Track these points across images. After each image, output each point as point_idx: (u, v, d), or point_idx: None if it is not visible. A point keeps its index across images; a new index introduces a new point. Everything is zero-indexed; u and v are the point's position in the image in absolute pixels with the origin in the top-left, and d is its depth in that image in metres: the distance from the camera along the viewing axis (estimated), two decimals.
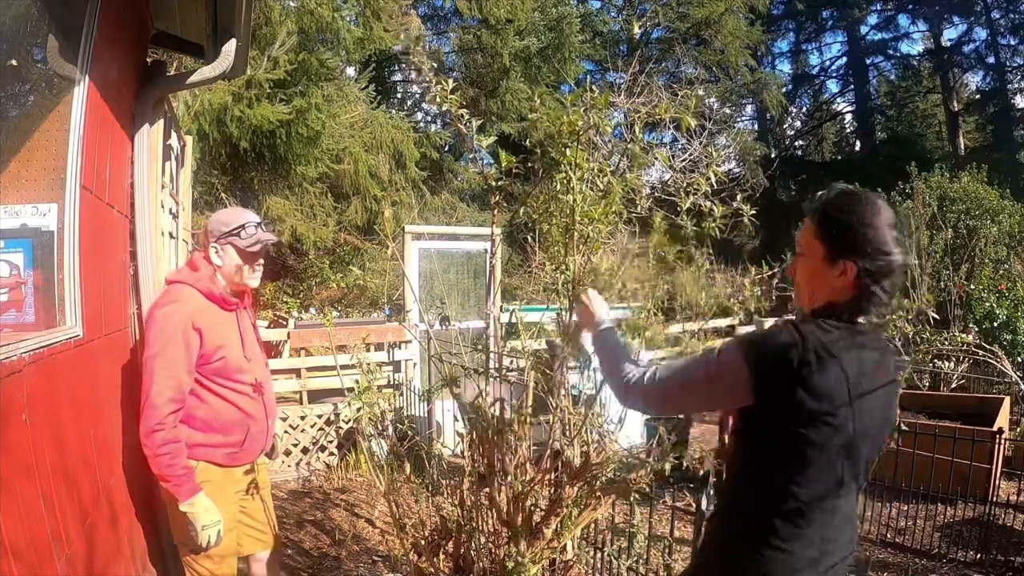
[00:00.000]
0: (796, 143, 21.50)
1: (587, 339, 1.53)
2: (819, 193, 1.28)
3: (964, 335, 5.99)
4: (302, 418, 4.64)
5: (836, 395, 1.10)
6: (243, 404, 2.04)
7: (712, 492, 2.27)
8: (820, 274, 1.20)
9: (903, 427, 3.56)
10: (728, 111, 15.87)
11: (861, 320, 1.18)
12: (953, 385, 5.93)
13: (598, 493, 2.00)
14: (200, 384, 1.95)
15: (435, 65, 2.03)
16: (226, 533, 1.95)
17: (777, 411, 1.12)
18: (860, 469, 1.20)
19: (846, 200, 1.21)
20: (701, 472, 2.51)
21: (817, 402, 1.09)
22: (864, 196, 1.21)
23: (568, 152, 1.82)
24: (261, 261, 2.12)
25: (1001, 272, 7.51)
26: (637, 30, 15.49)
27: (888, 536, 3.54)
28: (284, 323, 6.88)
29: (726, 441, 1.39)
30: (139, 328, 2.45)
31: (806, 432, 1.10)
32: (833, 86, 21.21)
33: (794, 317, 1.28)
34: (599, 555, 2.58)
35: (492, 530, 2.20)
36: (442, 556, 2.26)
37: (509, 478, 2.06)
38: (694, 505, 2.19)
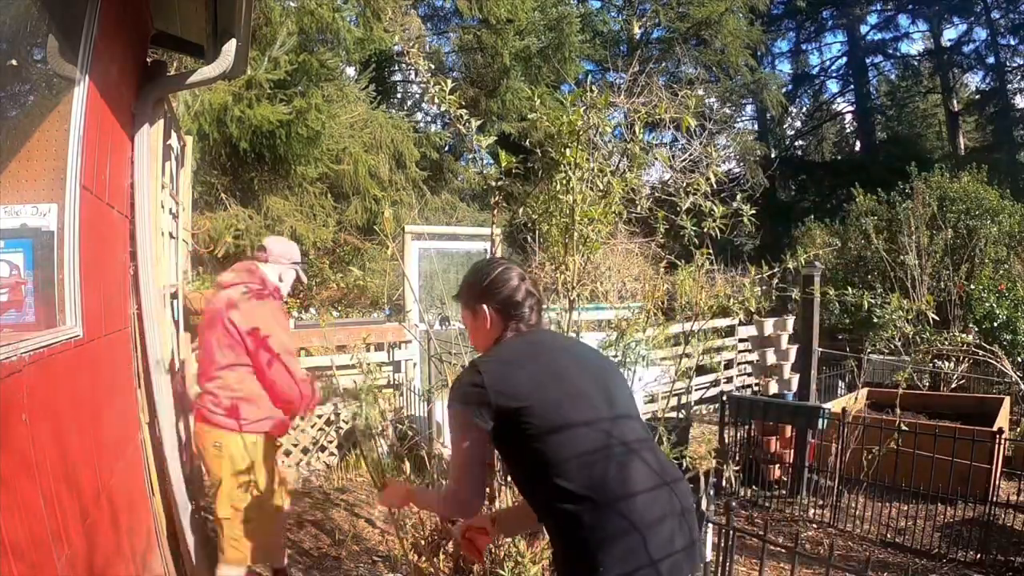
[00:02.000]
0: (796, 143, 21.50)
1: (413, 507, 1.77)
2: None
3: (964, 335, 5.99)
4: (302, 418, 4.65)
5: (523, 387, 1.30)
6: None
7: (712, 492, 2.28)
8: (475, 329, 1.50)
9: (903, 427, 3.57)
10: (728, 111, 15.87)
11: (512, 333, 1.44)
12: (953, 385, 5.93)
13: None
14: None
15: (432, 66, 2.02)
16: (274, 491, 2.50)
17: (501, 427, 1.30)
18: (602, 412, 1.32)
19: (465, 277, 1.55)
20: (701, 472, 2.50)
21: (515, 401, 1.28)
22: (473, 265, 1.56)
23: (568, 152, 1.82)
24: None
25: (1001, 272, 7.51)
26: (637, 30, 15.49)
27: (888, 536, 3.54)
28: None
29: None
30: (139, 328, 2.45)
31: (527, 427, 1.27)
32: (833, 86, 21.23)
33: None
34: None
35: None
36: (442, 556, 2.26)
37: (509, 478, 2.06)
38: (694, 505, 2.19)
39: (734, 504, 3.62)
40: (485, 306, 1.45)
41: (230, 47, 2.58)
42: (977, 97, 18.60)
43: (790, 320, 6.45)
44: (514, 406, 1.28)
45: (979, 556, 3.23)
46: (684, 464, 2.32)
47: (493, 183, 2.04)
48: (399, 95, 13.14)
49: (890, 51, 19.53)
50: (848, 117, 21.53)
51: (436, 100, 1.95)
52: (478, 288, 1.47)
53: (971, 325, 6.52)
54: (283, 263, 2.62)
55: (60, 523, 1.43)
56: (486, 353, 1.44)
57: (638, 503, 1.22)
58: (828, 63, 20.76)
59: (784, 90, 18.03)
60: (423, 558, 2.23)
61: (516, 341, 1.43)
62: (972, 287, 7.00)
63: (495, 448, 1.37)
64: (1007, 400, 4.76)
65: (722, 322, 7.12)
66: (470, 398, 1.31)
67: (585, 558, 1.21)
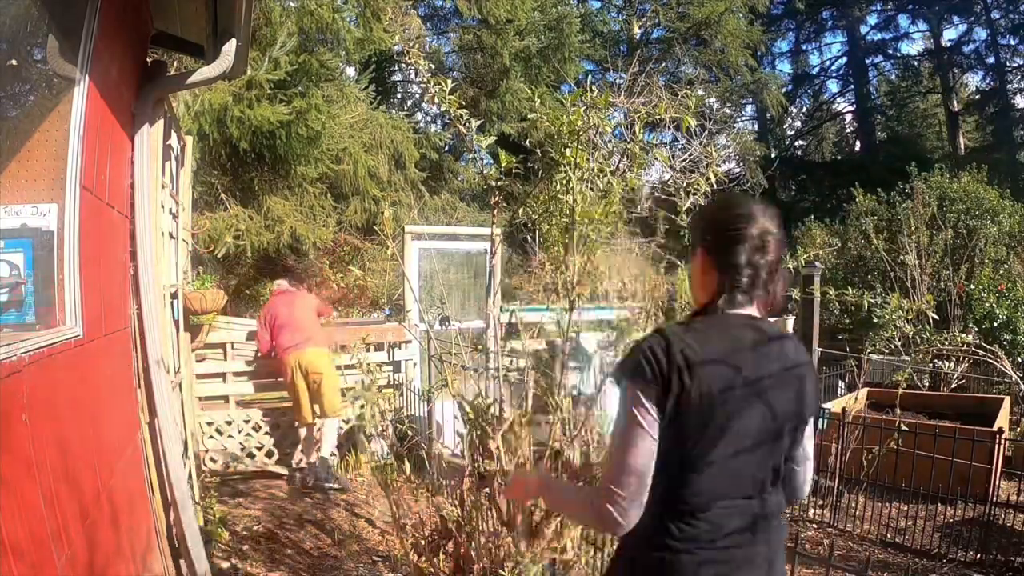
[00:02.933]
0: (796, 143, 21.50)
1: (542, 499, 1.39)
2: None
3: (964, 335, 5.99)
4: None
5: (709, 388, 1.07)
6: (281, 330, 4.37)
7: None
8: (691, 275, 1.23)
9: (903, 427, 3.57)
10: (728, 111, 15.86)
11: (729, 308, 1.14)
12: (953, 385, 5.93)
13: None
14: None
15: (432, 66, 2.01)
16: (292, 389, 4.37)
17: (666, 411, 1.08)
18: (766, 468, 1.14)
19: (708, 204, 1.27)
20: None
21: (695, 396, 1.07)
22: (723, 195, 1.29)
23: (568, 152, 1.82)
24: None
25: (1001, 272, 7.51)
26: (637, 30, 15.49)
27: (888, 536, 3.54)
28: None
29: None
30: (139, 328, 2.45)
31: (688, 425, 1.08)
32: (833, 86, 21.23)
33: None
34: (599, 555, 2.58)
35: (492, 530, 2.20)
36: (442, 556, 2.26)
37: (509, 478, 2.06)
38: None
39: None
40: (701, 249, 1.18)
41: (230, 47, 2.57)
42: (977, 97, 18.60)
43: (790, 320, 6.45)
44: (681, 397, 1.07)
45: (979, 556, 3.23)
46: None
47: (493, 183, 2.04)
48: (399, 95, 13.14)
49: (890, 51, 19.55)
50: (848, 117, 21.54)
51: (436, 100, 1.95)
52: (703, 224, 1.22)
53: (971, 325, 6.52)
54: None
55: (60, 523, 1.43)
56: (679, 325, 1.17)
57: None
58: (828, 63, 20.79)
59: (784, 90, 18.02)
60: (423, 558, 2.23)
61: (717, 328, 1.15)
62: (972, 287, 7.00)
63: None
64: (1007, 400, 4.76)
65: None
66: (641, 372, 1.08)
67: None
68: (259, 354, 4.65)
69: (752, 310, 1.16)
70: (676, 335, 1.10)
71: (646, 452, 1.08)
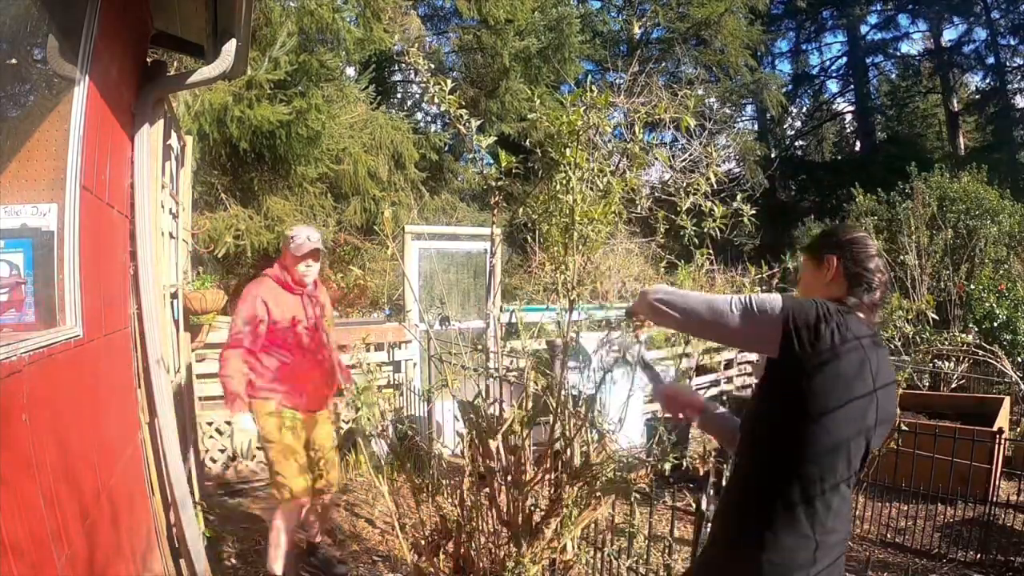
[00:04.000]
0: (796, 143, 21.50)
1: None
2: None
3: (964, 335, 5.99)
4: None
5: (854, 378, 1.23)
6: (293, 365, 2.82)
7: (712, 492, 2.27)
8: (813, 278, 1.44)
9: (903, 427, 3.57)
10: (728, 111, 15.86)
11: (854, 301, 1.35)
12: (953, 385, 5.93)
13: (598, 493, 2.00)
14: (266, 348, 2.78)
15: (432, 66, 2.01)
16: (288, 457, 2.76)
17: (795, 373, 1.22)
18: (860, 460, 1.28)
19: (826, 229, 1.49)
20: (701, 472, 2.51)
21: (833, 378, 1.21)
22: (840, 223, 1.50)
23: (568, 152, 1.82)
24: (310, 261, 2.88)
25: (1001, 272, 7.50)
26: (637, 30, 15.48)
27: (888, 536, 3.54)
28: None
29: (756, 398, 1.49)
30: (139, 328, 2.45)
31: (818, 403, 1.21)
32: (833, 86, 21.24)
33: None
34: (599, 555, 2.58)
35: (492, 530, 2.20)
36: (442, 556, 2.26)
37: (509, 478, 2.06)
38: (694, 505, 2.19)
39: None
40: (835, 259, 1.38)
41: (230, 47, 2.58)
42: (977, 97, 18.59)
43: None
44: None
45: (979, 556, 3.23)
46: (685, 464, 2.32)
47: (493, 183, 2.04)
48: (399, 95, 13.13)
49: (890, 51, 19.55)
50: (848, 117, 21.55)
51: (436, 100, 1.95)
52: (836, 241, 1.41)
53: (971, 325, 6.51)
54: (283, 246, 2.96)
55: (60, 523, 1.43)
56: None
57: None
58: (828, 63, 20.80)
59: (784, 90, 18.02)
60: (423, 558, 2.23)
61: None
62: (972, 287, 6.99)
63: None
64: (1007, 400, 4.75)
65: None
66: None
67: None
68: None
69: (865, 314, 1.36)
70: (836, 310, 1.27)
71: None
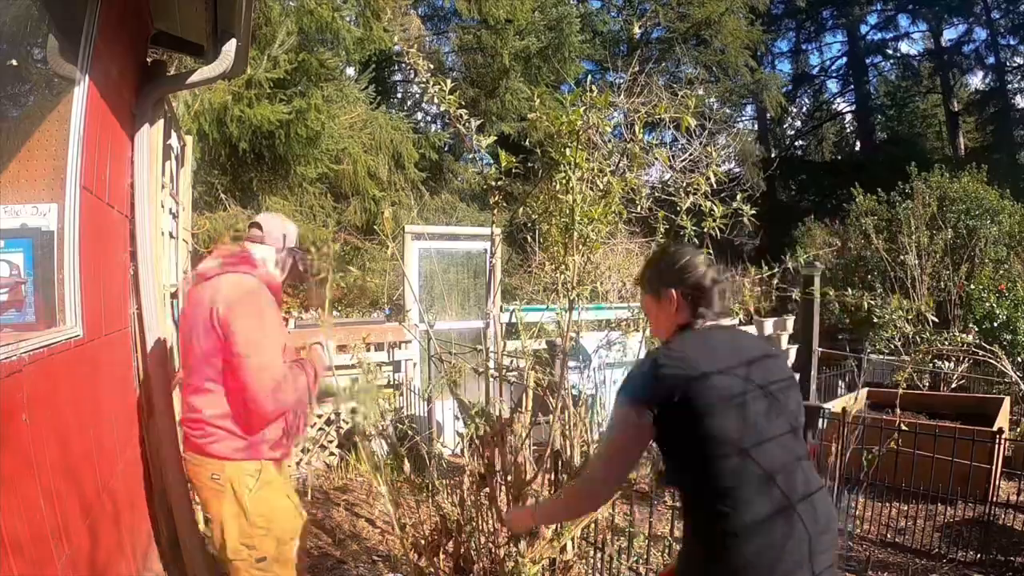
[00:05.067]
0: (796, 143, 21.50)
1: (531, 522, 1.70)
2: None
3: (964, 335, 5.98)
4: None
5: (687, 386, 1.28)
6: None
7: None
8: (659, 313, 1.49)
9: (903, 427, 3.56)
10: (728, 111, 15.86)
11: (704, 323, 1.44)
12: (953, 385, 5.93)
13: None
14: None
15: (431, 66, 2.00)
16: (292, 520, 2.00)
17: (668, 419, 1.29)
18: (779, 471, 1.29)
19: (650, 260, 1.57)
20: None
21: (682, 392, 1.27)
22: (660, 249, 1.58)
23: (568, 152, 1.82)
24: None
25: (1001, 272, 7.51)
26: (637, 30, 15.49)
27: (888, 536, 3.54)
28: (284, 322, 6.80)
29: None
30: (139, 328, 2.45)
31: (697, 420, 1.26)
32: (833, 86, 21.24)
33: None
34: (599, 555, 2.58)
35: (492, 530, 2.20)
36: (442, 556, 2.26)
37: (509, 478, 2.06)
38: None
39: None
40: (673, 290, 1.44)
41: (230, 47, 2.58)
42: (977, 97, 18.59)
43: (790, 320, 6.45)
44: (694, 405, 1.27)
45: (979, 556, 3.23)
46: None
47: (492, 183, 2.04)
48: (399, 95, 13.14)
49: (890, 51, 19.57)
50: (848, 117, 21.55)
51: (436, 100, 1.95)
52: (668, 271, 1.46)
53: (971, 325, 6.51)
54: (279, 248, 2.08)
55: (61, 522, 1.43)
56: (668, 344, 1.42)
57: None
58: (828, 63, 20.81)
59: (784, 90, 18.02)
60: (423, 558, 2.23)
61: (697, 338, 1.40)
62: (972, 287, 6.99)
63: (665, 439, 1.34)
64: (1007, 400, 4.75)
65: (722, 322, 7.10)
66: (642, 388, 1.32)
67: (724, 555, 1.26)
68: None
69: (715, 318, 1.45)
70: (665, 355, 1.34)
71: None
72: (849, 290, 2.22)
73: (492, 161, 2.19)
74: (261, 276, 1.99)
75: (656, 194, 2.26)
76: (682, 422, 1.27)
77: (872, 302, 2.16)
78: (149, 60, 2.71)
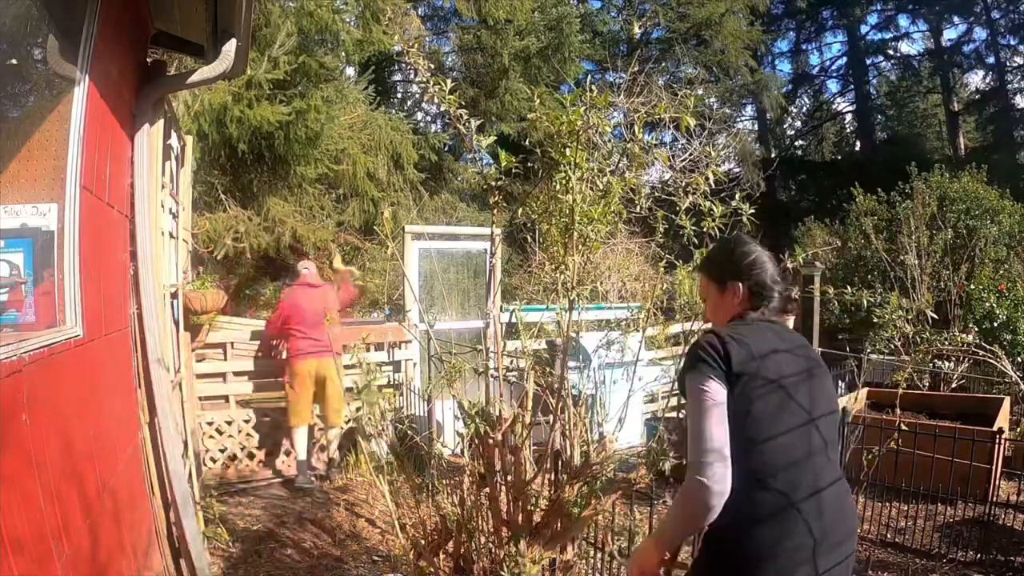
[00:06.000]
0: (796, 143, 21.49)
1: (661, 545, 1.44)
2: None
3: (964, 335, 5.98)
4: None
5: (749, 363, 1.32)
6: (303, 333, 4.30)
7: None
8: (720, 302, 1.53)
9: (903, 427, 3.56)
10: (728, 111, 15.86)
11: (759, 314, 1.48)
12: (953, 385, 5.92)
13: (598, 493, 2.00)
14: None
15: (432, 66, 2.00)
16: (302, 392, 4.29)
17: (732, 392, 1.31)
18: (821, 434, 1.35)
19: (717, 246, 1.61)
20: None
21: (742, 371, 1.31)
22: (729, 238, 1.61)
23: (568, 152, 1.82)
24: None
25: (1001, 272, 7.50)
26: (637, 30, 15.48)
27: (888, 536, 3.54)
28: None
29: None
30: (139, 328, 2.46)
31: (751, 399, 1.29)
32: (833, 86, 21.22)
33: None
34: (599, 555, 2.58)
35: (492, 530, 2.20)
36: (442, 556, 2.26)
37: (509, 478, 2.06)
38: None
39: None
40: (740, 284, 1.48)
41: (230, 47, 2.58)
42: (977, 97, 18.59)
43: (790, 320, 6.44)
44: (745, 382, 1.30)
45: (979, 556, 3.23)
46: (685, 463, 2.32)
47: (492, 183, 2.04)
48: (399, 95, 13.13)
49: (890, 51, 19.54)
50: (848, 117, 21.53)
51: (436, 100, 1.95)
52: (737, 266, 1.49)
53: (971, 325, 6.51)
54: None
55: (61, 521, 1.43)
56: (728, 327, 1.45)
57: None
58: (828, 63, 20.79)
59: (784, 90, 18.02)
60: (423, 558, 2.23)
61: (750, 327, 1.43)
62: (972, 287, 6.99)
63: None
64: (1007, 400, 4.75)
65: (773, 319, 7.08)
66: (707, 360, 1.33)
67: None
68: (259, 353, 4.64)
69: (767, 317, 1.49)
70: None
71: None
72: (849, 290, 2.21)
73: (492, 161, 2.20)
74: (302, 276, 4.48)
75: (656, 194, 2.26)
76: (735, 400, 1.29)
77: (871, 300, 2.16)
78: (149, 60, 2.72)
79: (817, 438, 1.34)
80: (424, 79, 1.97)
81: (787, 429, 1.31)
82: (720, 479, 1.23)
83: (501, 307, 3.78)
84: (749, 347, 1.34)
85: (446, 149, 11.28)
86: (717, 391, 1.29)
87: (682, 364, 1.41)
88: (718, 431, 1.26)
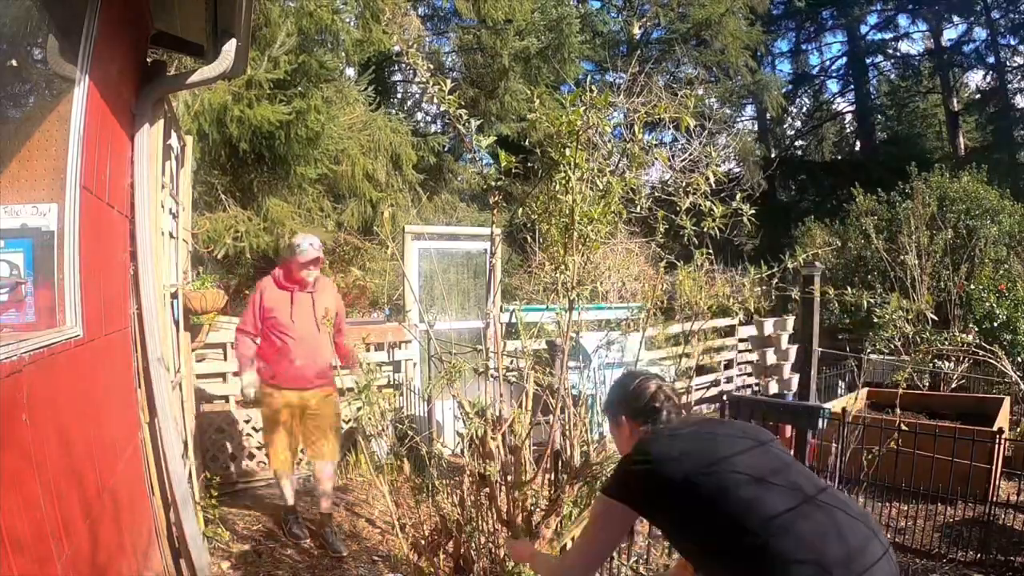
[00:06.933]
0: (796, 143, 21.49)
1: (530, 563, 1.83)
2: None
3: (964, 335, 5.98)
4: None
5: (678, 463, 1.36)
6: (284, 347, 3.25)
7: None
8: (618, 437, 1.64)
9: (903, 427, 3.56)
10: (728, 111, 15.86)
11: (649, 431, 1.54)
12: (953, 385, 5.92)
13: (598, 493, 2.00)
14: (265, 330, 3.30)
15: (432, 66, 2.01)
16: (277, 429, 3.31)
17: (666, 506, 1.36)
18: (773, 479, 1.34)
19: (609, 394, 1.70)
20: None
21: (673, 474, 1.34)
22: (616, 384, 1.70)
23: (567, 152, 1.82)
24: (311, 267, 3.29)
25: (1001, 272, 7.50)
26: (637, 30, 15.48)
27: (888, 536, 3.54)
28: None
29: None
30: (139, 328, 2.45)
31: (695, 494, 1.31)
32: (833, 86, 21.21)
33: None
34: None
35: (492, 530, 2.20)
36: (442, 556, 2.26)
37: (509, 478, 2.06)
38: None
39: None
40: (624, 416, 1.60)
41: (230, 47, 2.58)
42: (977, 97, 18.58)
43: (790, 320, 6.45)
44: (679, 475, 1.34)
45: (979, 556, 3.23)
46: None
47: (492, 183, 2.04)
48: (399, 95, 13.13)
49: (890, 51, 19.53)
50: (848, 117, 21.52)
51: (436, 100, 1.95)
52: (619, 401, 1.62)
53: (971, 325, 6.51)
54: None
55: (61, 521, 1.43)
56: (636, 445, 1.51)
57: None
58: (828, 63, 20.77)
59: (784, 90, 18.00)
60: (423, 558, 2.23)
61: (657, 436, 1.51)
62: (972, 287, 6.99)
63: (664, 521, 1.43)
64: (1007, 400, 4.75)
65: (722, 322, 7.12)
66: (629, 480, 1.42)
67: None
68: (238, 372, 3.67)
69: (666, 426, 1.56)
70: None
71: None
72: (849, 290, 2.21)
73: (492, 161, 2.20)
74: (274, 274, 3.40)
75: (656, 194, 2.26)
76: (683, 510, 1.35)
77: (872, 301, 2.16)
78: (149, 60, 2.72)
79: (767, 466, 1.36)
80: (424, 79, 1.97)
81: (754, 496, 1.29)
82: None
83: (501, 307, 3.78)
84: (657, 460, 1.38)
85: (446, 150, 11.27)
86: (624, 516, 1.43)
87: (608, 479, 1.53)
88: (602, 555, 1.55)
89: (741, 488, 1.29)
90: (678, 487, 1.32)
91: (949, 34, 18.26)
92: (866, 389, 5.29)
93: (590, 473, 2.04)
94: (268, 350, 3.30)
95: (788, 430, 4.29)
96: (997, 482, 3.85)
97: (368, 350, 4.81)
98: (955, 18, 17.51)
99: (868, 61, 19.63)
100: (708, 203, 1.98)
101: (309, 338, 3.25)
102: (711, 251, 2.09)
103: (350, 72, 9.06)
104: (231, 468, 4.36)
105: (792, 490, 1.30)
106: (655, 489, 1.36)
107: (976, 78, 18.89)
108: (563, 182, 1.84)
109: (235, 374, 3.46)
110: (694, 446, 1.41)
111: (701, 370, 6.88)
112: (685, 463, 1.35)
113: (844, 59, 20.05)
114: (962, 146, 17.67)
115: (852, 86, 19.99)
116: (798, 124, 21.62)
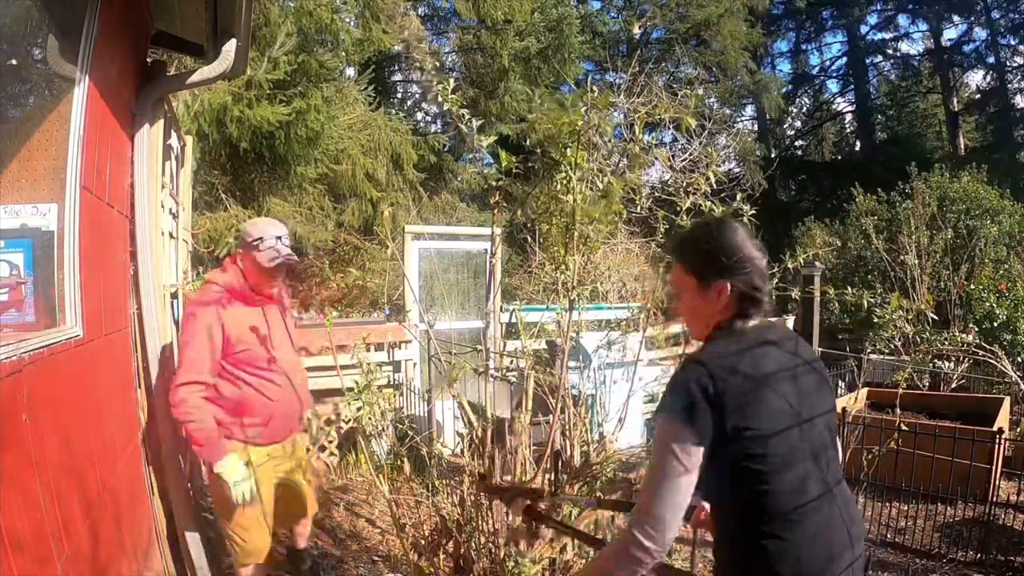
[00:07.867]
0: (796, 143, 21.50)
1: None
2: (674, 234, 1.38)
3: (964, 335, 5.98)
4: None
5: (746, 404, 1.15)
6: (266, 390, 2.26)
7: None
8: (701, 304, 1.26)
9: (903, 427, 3.56)
10: (728, 112, 15.87)
11: (748, 323, 1.24)
12: (953, 385, 5.92)
13: (598, 493, 2.00)
14: (226, 371, 2.20)
15: (437, 64, 2.03)
16: (254, 506, 2.20)
17: (721, 438, 1.14)
18: (820, 459, 1.21)
19: (700, 230, 1.31)
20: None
21: (738, 418, 1.14)
22: (715, 221, 1.35)
23: (568, 152, 1.82)
24: (279, 275, 2.38)
25: (1001, 272, 7.50)
26: (637, 31, 15.48)
27: (888, 536, 3.54)
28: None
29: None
30: (139, 328, 2.45)
31: (749, 442, 1.14)
32: (833, 86, 21.23)
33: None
34: None
35: (492, 530, 2.20)
36: (442, 556, 2.26)
37: (509, 478, 2.06)
38: (694, 505, 2.19)
39: None
40: (727, 285, 1.21)
41: (230, 47, 2.58)
42: (977, 97, 18.59)
43: (790, 320, 6.45)
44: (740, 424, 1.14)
45: (979, 556, 3.23)
46: None
47: (493, 183, 2.04)
48: (399, 95, 13.13)
49: (890, 51, 19.55)
50: (848, 117, 21.53)
51: (440, 98, 1.96)
52: (724, 263, 1.21)
53: (971, 325, 6.51)
54: (239, 248, 2.37)
55: (61, 521, 1.43)
56: (712, 350, 1.23)
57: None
58: (828, 63, 20.80)
59: (784, 90, 18.02)
60: (423, 558, 2.23)
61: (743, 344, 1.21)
62: (972, 287, 6.99)
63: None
64: (1007, 400, 4.75)
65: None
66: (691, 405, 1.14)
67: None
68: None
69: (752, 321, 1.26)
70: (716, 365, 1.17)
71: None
72: (849, 290, 2.22)
73: (492, 161, 2.20)
74: (223, 283, 2.31)
75: (656, 194, 2.26)
76: (736, 442, 1.14)
77: (872, 301, 2.16)
78: (149, 60, 2.72)
79: (819, 441, 1.23)
80: (430, 75, 1.97)
81: (795, 459, 1.17)
82: (662, 547, 1.13)
83: (501, 307, 3.78)
84: (741, 384, 1.15)
85: (446, 149, 11.28)
86: (693, 457, 1.13)
87: (662, 398, 1.22)
88: (677, 499, 1.13)
89: (797, 465, 1.16)
90: (745, 439, 1.13)
91: (949, 34, 18.30)
92: (866, 389, 5.28)
93: (590, 473, 2.04)
94: (238, 399, 2.21)
95: None
96: (997, 482, 3.85)
97: (368, 350, 4.81)
98: (955, 18, 17.54)
99: (868, 61, 19.65)
100: (708, 203, 1.98)
101: (292, 371, 2.36)
102: None
103: (350, 72, 9.06)
104: None
105: (823, 474, 1.20)
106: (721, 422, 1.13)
107: (976, 78, 18.93)
108: (564, 182, 1.84)
109: (206, 464, 2.23)
110: (776, 400, 1.16)
111: None
112: (765, 419, 1.14)
113: (844, 59, 20.09)
114: (962, 146, 17.68)
115: (852, 86, 20.01)
116: (798, 124, 21.65)
